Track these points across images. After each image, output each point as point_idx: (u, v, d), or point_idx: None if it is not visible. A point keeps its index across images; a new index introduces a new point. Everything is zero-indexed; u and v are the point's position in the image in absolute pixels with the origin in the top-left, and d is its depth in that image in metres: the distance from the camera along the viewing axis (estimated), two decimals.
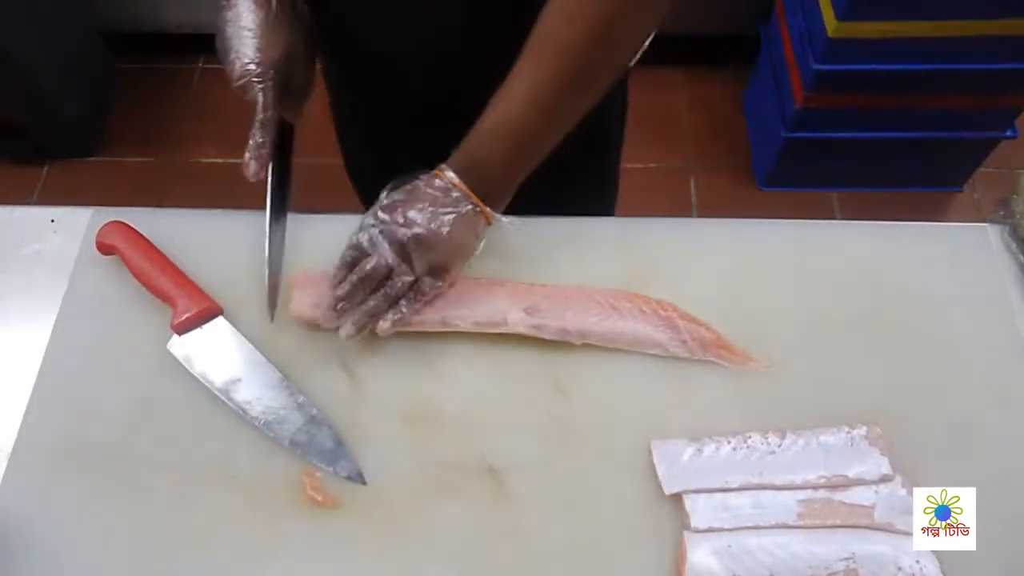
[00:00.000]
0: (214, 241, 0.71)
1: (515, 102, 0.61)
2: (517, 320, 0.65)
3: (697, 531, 0.57)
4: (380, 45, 0.74)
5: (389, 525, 0.59)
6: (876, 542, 0.56)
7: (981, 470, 0.60)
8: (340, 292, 0.64)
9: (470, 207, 0.63)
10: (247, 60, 0.64)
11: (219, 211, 0.74)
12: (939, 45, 1.39)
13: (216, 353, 0.64)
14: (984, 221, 0.73)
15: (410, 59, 0.74)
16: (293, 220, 0.71)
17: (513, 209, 0.69)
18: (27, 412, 0.63)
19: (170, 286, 0.65)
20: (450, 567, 0.57)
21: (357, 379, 0.65)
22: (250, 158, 0.63)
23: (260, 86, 0.64)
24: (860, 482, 0.58)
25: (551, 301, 0.66)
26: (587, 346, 0.65)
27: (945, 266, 0.70)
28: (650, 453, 0.60)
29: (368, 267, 0.64)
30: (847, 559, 0.55)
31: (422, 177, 0.64)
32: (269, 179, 0.68)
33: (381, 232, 0.64)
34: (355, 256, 0.65)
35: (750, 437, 0.60)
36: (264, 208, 0.68)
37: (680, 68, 1.96)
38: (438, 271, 0.65)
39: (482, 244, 0.67)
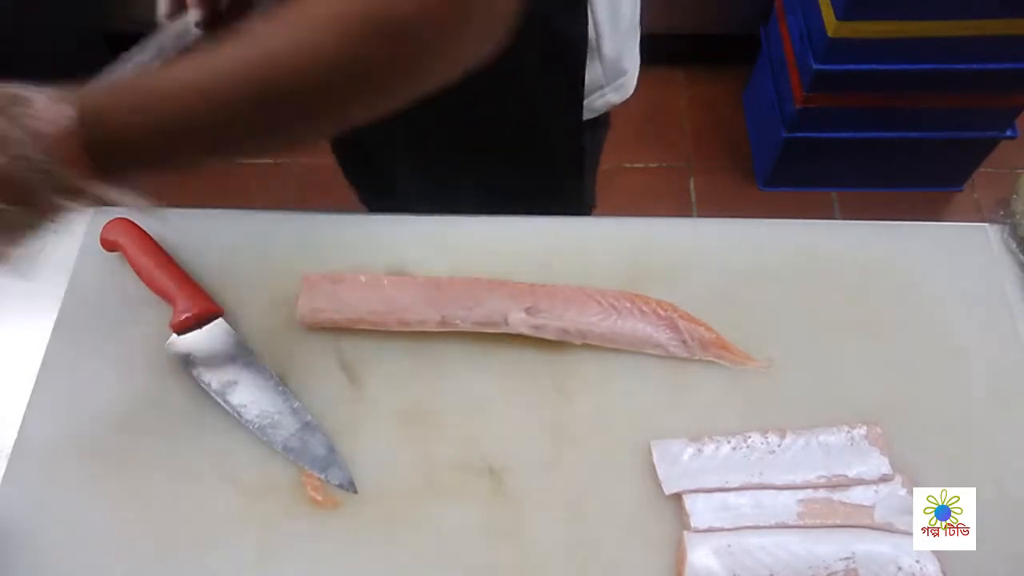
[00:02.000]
0: (214, 241, 0.71)
1: (189, 74, 0.48)
2: (517, 320, 0.65)
3: (697, 531, 0.57)
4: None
5: (389, 525, 0.59)
6: (876, 542, 0.56)
7: (981, 470, 0.60)
8: None
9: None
10: None
11: (219, 211, 0.74)
12: (939, 45, 1.39)
13: (214, 354, 0.64)
14: (984, 221, 0.73)
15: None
16: (294, 220, 0.71)
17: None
18: (27, 412, 0.63)
19: (171, 285, 0.65)
20: (450, 567, 0.57)
21: (357, 379, 0.65)
22: None
23: None
24: (860, 482, 0.58)
25: (551, 301, 0.66)
26: (587, 346, 0.65)
27: (945, 266, 0.70)
28: (650, 453, 0.60)
29: None
30: (847, 559, 0.55)
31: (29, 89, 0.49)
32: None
33: None
34: None
35: (750, 437, 0.60)
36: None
37: (680, 68, 1.96)
38: None
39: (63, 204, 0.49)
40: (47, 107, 0.48)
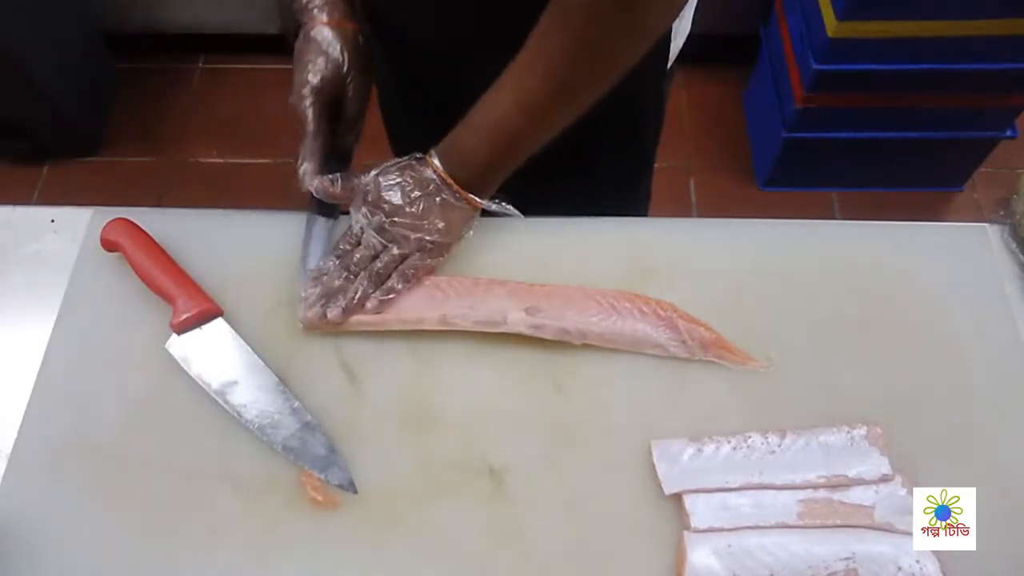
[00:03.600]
0: (214, 241, 0.71)
1: (502, 100, 0.62)
2: (517, 320, 0.65)
3: (697, 531, 0.57)
4: (409, 40, 0.77)
5: (389, 525, 0.59)
6: (876, 542, 0.56)
7: (981, 470, 0.60)
8: (326, 287, 0.66)
9: (449, 192, 0.65)
10: (303, 80, 0.68)
11: (219, 211, 0.74)
12: (939, 45, 1.39)
13: (214, 354, 0.64)
14: (984, 221, 0.73)
15: (433, 58, 0.77)
16: (294, 220, 0.71)
17: (543, 211, 0.71)
18: (27, 412, 0.63)
19: (171, 285, 0.65)
20: (450, 567, 0.57)
21: (357, 379, 0.65)
22: (303, 172, 0.68)
23: (306, 102, 0.68)
24: (860, 482, 0.58)
25: (551, 301, 0.66)
26: (587, 346, 0.65)
27: (945, 266, 0.70)
28: (650, 453, 0.60)
29: (355, 257, 0.66)
30: (847, 559, 0.55)
31: (406, 161, 0.66)
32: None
33: (366, 221, 0.66)
34: (345, 250, 0.67)
35: (750, 437, 0.60)
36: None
37: (680, 68, 1.96)
38: (425, 250, 0.66)
39: (471, 229, 0.69)
40: (421, 167, 0.66)
